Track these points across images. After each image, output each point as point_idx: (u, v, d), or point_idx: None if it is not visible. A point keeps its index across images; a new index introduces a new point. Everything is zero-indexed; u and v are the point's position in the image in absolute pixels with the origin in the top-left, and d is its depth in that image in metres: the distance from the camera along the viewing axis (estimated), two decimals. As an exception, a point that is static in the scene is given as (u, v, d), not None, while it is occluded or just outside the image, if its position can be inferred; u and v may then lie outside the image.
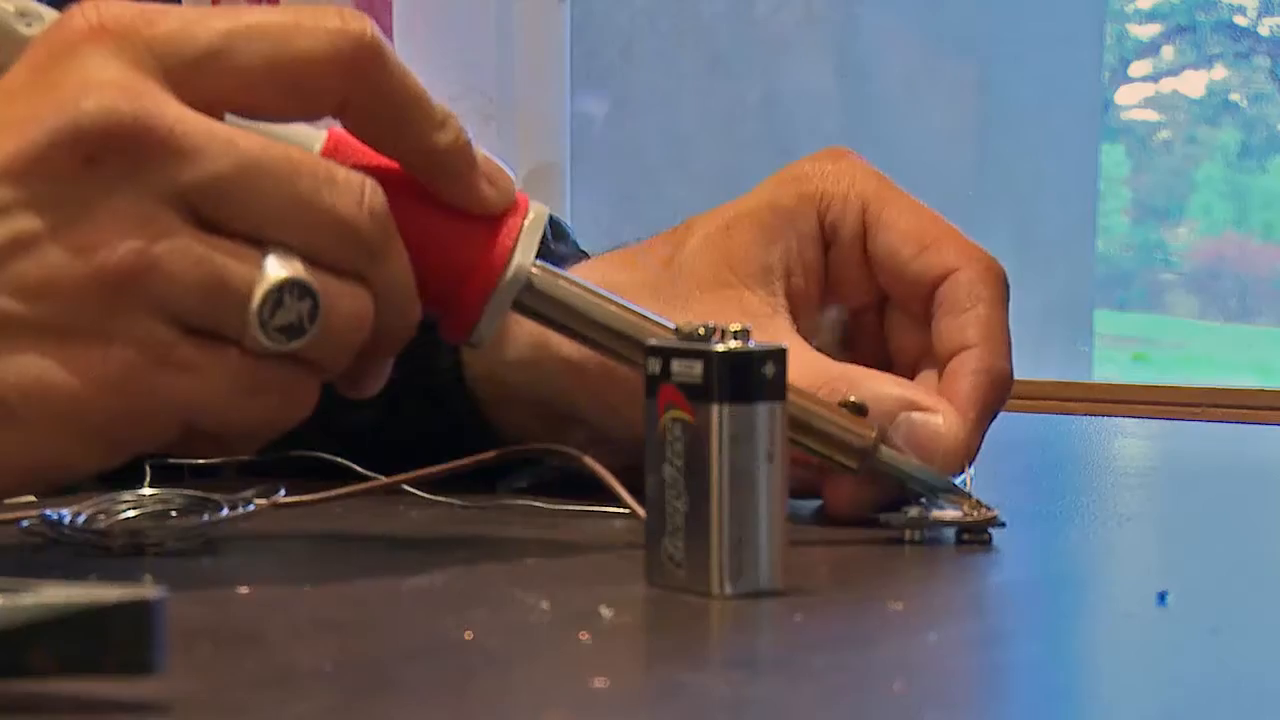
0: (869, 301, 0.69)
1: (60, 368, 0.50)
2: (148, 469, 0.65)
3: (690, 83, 2.31)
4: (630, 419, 0.54)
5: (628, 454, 0.59)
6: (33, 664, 0.37)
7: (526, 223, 0.57)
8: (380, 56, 0.53)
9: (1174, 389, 1.87)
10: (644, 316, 0.58)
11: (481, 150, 0.56)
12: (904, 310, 0.68)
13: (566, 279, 0.58)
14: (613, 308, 0.58)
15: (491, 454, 0.66)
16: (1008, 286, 0.66)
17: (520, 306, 0.57)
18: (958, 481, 0.61)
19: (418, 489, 0.66)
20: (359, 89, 0.53)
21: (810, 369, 0.63)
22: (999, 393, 0.64)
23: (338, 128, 0.56)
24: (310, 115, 0.55)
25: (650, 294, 0.66)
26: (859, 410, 0.60)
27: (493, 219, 0.56)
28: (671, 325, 0.56)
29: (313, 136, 0.55)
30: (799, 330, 0.66)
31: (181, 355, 0.50)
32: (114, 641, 0.37)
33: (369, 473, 0.67)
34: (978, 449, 0.64)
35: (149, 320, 0.50)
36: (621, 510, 0.62)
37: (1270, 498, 0.80)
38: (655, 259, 0.68)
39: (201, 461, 0.68)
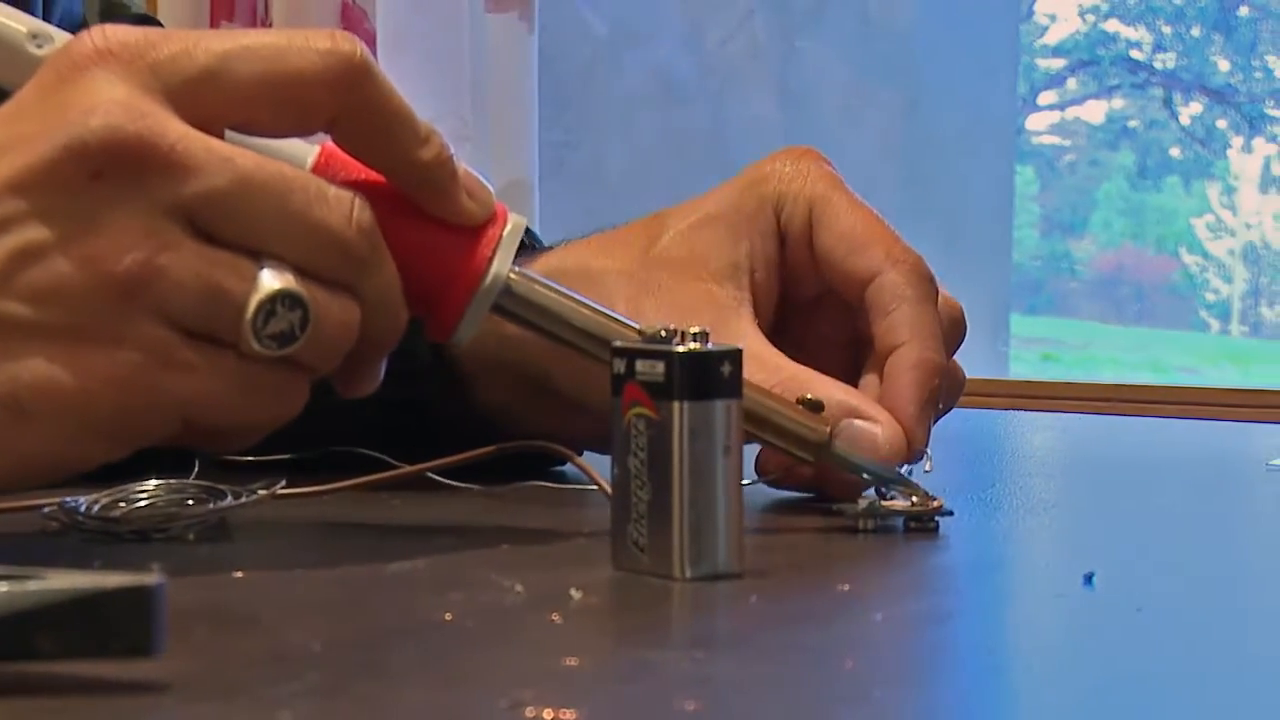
0: (822, 291, 0.67)
1: (69, 369, 0.48)
2: (197, 463, 0.64)
3: (646, 109, 2.30)
4: (599, 386, 0.53)
5: (599, 420, 0.57)
6: (39, 647, 0.36)
7: (505, 233, 0.55)
8: (368, 75, 0.52)
9: (1083, 385, 1.88)
10: (613, 318, 0.57)
11: (463, 165, 0.55)
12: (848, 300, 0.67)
13: (542, 284, 0.57)
14: (585, 311, 0.57)
15: (492, 448, 0.64)
16: (933, 283, 0.65)
17: (499, 310, 0.56)
18: (915, 469, 0.60)
19: (438, 477, 0.65)
20: (348, 105, 0.52)
21: (766, 367, 0.61)
22: (935, 382, 0.63)
23: (330, 142, 0.54)
24: (303, 130, 0.53)
25: (627, 281, 0.65)
26: (815, 407, 0.58)
27: (474, 229, 0.55)
28: (637, 326, 0.55)
29: (306, 150, 0.54)
30: (759, 318, 0.65)
31: (182, 357, 0.49)
32: (116, 625, 0.36)
33: (396, 462, 0.66)
34: (926, 437, 0.63)
35: (152, 325, 0.49)
36: (591, 488, 0.61)
37: (1174, 485, 0.79)
38: (632, 249, 0.67)
39: (251, 458, 0.68)
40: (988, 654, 0.45)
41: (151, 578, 0.36)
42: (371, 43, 1.79)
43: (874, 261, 0.65)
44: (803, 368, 0.63)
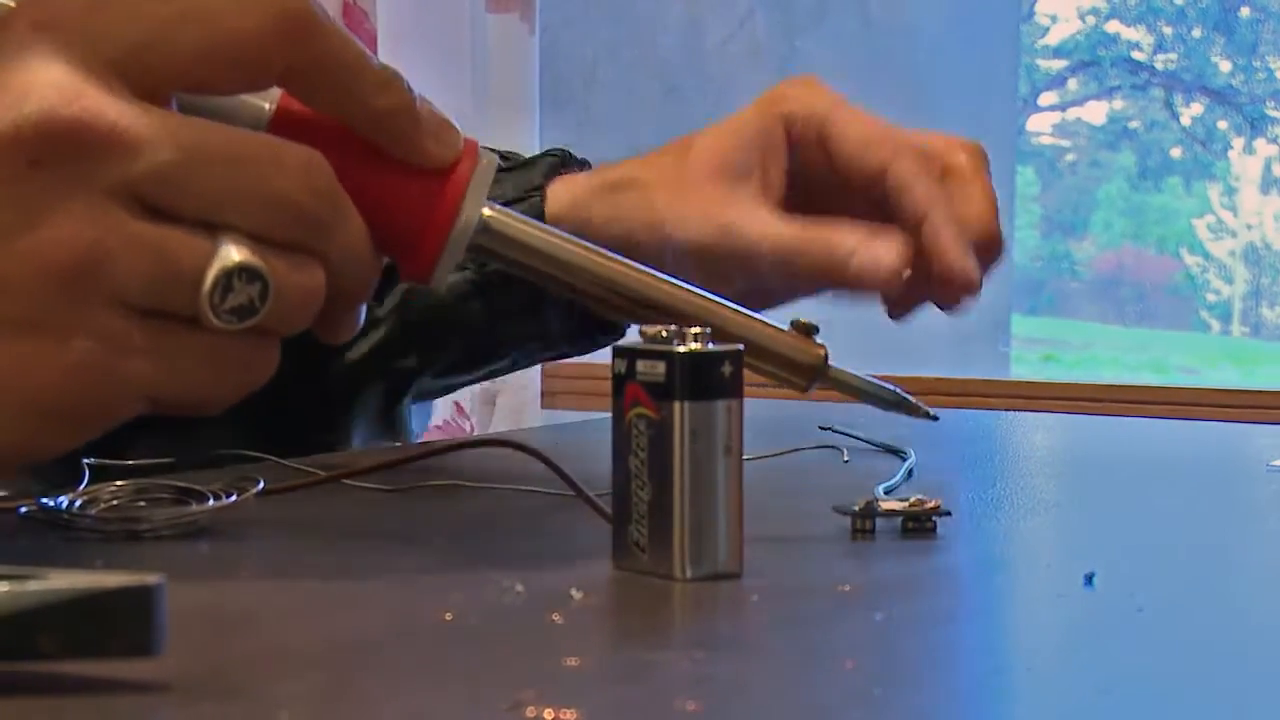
0: (843, 196, 0.76)
1: (24, 360, 0.47)
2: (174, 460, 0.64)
3: (647, 108, 2.30)
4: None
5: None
6: (41, 646, 0.36)
7: (476, 172, 0.54)
8: (313, 26, 0.50)
9: (1083, 386, 1.87)
10: (595, 251, 0.57)
11: (427, 106, 0.53)
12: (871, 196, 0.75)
13: (521, 221, 0.56)
14: (567, 245, 0.56)
15: (445, 444, 0.64)
16: (935, 161, 0.75)
17: (479, 249, 0.55)
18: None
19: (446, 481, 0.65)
20: (297, 59, 0.50)
21: (788, 227, 0.73)
22: (969, 235, 0.72)
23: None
24: (253, 88, 0.52)
25: (666, 187, 0.77)
26: (809, 330, 0.58)
27: (444, 171, 0.54)
28: (619, 258, 0.57)
29: (265, 100, 0.52)
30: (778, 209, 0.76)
31: (139, 341, 0.48)
32: (117, 625, 0.36)
33: (309, 468, 0.65)
34: (976, 269, 0.72)
35: (105, 312, 0.47)
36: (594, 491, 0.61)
37: (1174, 485, 0.79)
38: (670, 161, 0.78)
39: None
40: (988, 654, 0.45)
41: (151, 578, 0.36)
42: (373, 42, 1.78)
43: (883, 153, 0.74)
44: (818, 220, 0.73)
